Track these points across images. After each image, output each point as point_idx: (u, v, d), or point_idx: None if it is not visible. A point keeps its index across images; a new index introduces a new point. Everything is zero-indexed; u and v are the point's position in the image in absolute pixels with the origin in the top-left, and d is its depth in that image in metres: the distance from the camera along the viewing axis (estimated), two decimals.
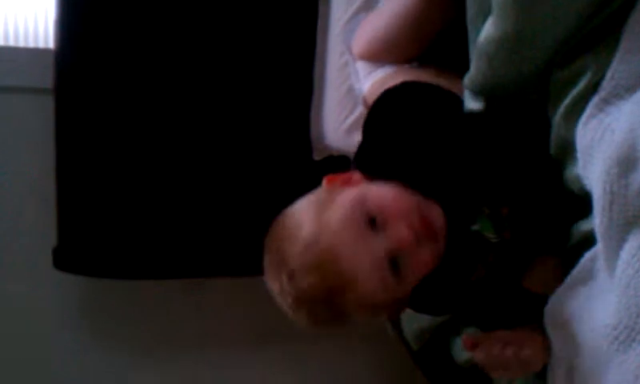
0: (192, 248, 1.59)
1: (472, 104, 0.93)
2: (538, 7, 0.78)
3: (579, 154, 0.78)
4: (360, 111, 1.33)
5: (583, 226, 0.82)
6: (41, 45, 1.63)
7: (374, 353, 1.79)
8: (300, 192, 0.98)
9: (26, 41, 1.62)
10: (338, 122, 1.39)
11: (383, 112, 1.02)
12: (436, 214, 0.88)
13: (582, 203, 0.81)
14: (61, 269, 1.58)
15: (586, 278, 0.82)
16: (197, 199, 1.56)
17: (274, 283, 0.92)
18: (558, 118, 0.82)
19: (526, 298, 0.93)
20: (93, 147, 1.53)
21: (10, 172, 1.62)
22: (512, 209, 0.89)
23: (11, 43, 1.62)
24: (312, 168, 1.50)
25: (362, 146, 1.05)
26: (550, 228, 0.90)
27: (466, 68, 0.98)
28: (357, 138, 1.18)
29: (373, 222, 0.86)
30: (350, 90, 1.35)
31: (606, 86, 0.75)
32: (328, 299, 0.87)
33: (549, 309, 0.87)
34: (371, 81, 1.26)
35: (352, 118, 1.36)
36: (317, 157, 1.51)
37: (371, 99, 1.15)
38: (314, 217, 0.90)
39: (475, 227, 0.90)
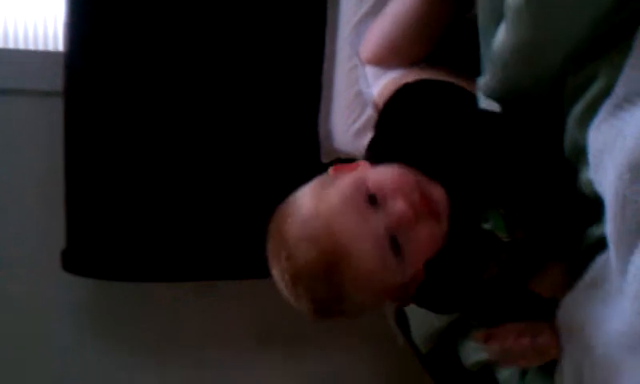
0: (200, 251, 1.60)
1: (486, 106, 0.93)
2: (552, 14, 0.78)
3: (591, 159, 0.78)
4: (368, 114, 1.33)
5: (596, 229, 0.82)
6: (50, 48, 1.64)
7: (377, 355, 1.79)
8: None
9: (36, 44, 1.63)
10: (347, 125, 1.40)
11: (401, 104, 1.02)
12: (438, 193, 0.87)
13: (594, 207, 0.80)
14: (69, 271, 1.58)
15: (598, 281, 0.82)
16: (205, 202, 1.57)
17: (275, 266, 0.91)
18: (571, 122, 0.82)
19: (535, 301, 0.92)
20: (102, 150, 1.54)
21: (20, 174, 1.63)
22: (525, 210, 0.89)
23: (21, 46, 1.63)
24: (320, 170, 1.51)
25: (374, 137, 1.04)
26: (562, 231, 0.89)
27: (475, 69, 0.98)
28: (365, 141, 1.18)
29: (373, 200, 0.85)
30: (359, 93, 1.35)
31: (618, 91, 0.75)
32: (326, 276, 0.84)
33: (561, 312, 0.87)
34: (381, 84, 1.26)
35: (360, 121, 1.36)
36: (325, 159, 1.51)
37: (382, 102, 1.15)
38: (315, 195, 0.89)
39: (487, 226, 0.89)
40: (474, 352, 1.06)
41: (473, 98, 0.96)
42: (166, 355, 1.75)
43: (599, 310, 0.82)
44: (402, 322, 1.30)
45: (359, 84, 1.34)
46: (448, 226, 0.87)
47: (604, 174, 0.75)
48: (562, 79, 0.82)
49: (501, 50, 0.85)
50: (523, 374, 0.99)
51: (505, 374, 1.04)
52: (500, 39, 0.85)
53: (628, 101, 0.74)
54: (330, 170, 0.97)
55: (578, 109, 0.80)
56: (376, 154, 0.98)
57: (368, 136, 1.12)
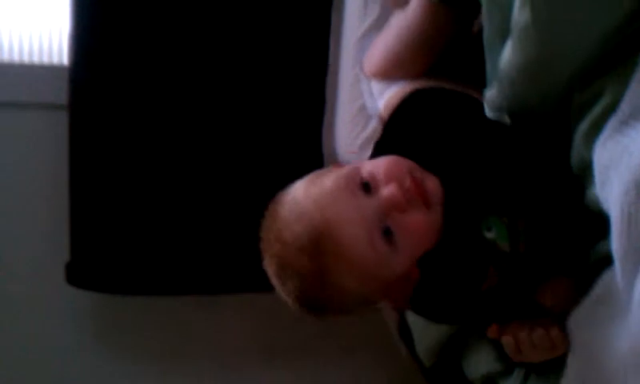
0: (203, 264, 1.60)
1: (493, 117, 0.93)
2: (558, 32, 0.78)
3: (597, 175, 0.78)
4: (372, 128, 1.33)
5: (603, 245, 0.82)
6: (55, 61, 1.64)
7: (381, 369, 1.78)
8: None
9: (41, 57, 1.64)
10: (351, 139, 1.40)
11: (408, 108, 1.02)
12: (431, 182, 0.87)
13: (602, 223, 0.80)
14: (73, 284, 1.58)
15: (605, 298, 0.82)
16: (208, 215, 1.57)
17: (266, 251, 0.90)
18: (577, 138, 0.82)
19: (538, 314, 0.92)
20: (106, 163, 1.54)
21: (25, 187, 1.64)
22: (529, 222, 0.88)
23: (26, 60, 1.63)
24: None
25: (380, 138, 1.04)
26: (566, 246, 0.89)
27: (480, 81, 0.98)
28: (368, 154, 1.19)
29: (367, 187, 0.85)
30: (362, 107, 1.36)
31: (624, 107, 0.75)
32: (311, 251, 0.83)
33: (568, 327, 0.87)
34: (386, 97, 1.27)
35: (364, 134, 1.36)
36: None
37: (387, 113, 1.15)
38: (309, 181, 0.90)
39: (490, 235, 0.88)
40: (485, 364, 1.05)
41: (480, 105, 0.96)
42: (168, 367, 1.75)
43: (606, 326, 0.81)
44: (406, 335, 1.30)
45: (363, 97, 1.35)
46: (442, 217, 0.87)
47: (610, 190, 0.75)
48: (569, 96, 0.82)
49: (507, 67, 0.86)
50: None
51: None
52: (506, 57, 0.85)
53: (634, 117, 0.74)
54: (332, 166, 0.97)
55: (584, 125, 0.80)
56: (380, 153, 0.98)
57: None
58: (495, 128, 0.93)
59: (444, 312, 0.98)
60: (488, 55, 0.96)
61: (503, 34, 0.88)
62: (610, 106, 0.76)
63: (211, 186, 1.56)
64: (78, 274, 1.59)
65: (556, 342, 0.88)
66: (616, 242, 0.75)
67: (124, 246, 1.57)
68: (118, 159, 1.55)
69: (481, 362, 1.05)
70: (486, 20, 0.93)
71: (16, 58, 1.63)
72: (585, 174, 0.82)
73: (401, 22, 1.20)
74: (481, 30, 1.00)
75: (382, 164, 0.88)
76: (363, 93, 1.35)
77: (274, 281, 0.91)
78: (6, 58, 1.62)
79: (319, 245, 0.83)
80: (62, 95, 1.53)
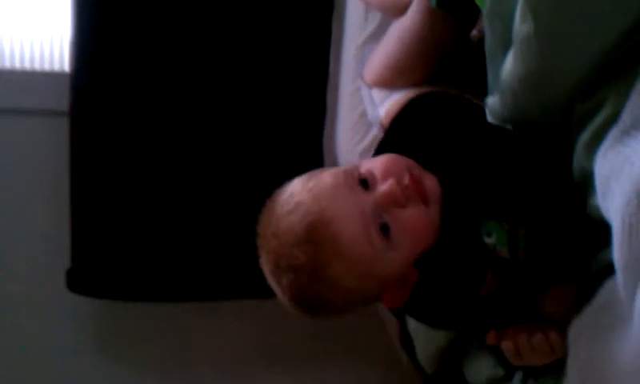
0: (203, 271, 1.60)
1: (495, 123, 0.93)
2: (560, 44, 0.78)
3: (598, 185, 0.78)
4: (373, 135, 1.34)
5: (605, 254, 0.82)
6: (56, 68, 1.65)
7: (382, 376, 1.78)
8: None
9: (42, 64, 1.64)
10: (351, 146, 1.40)
11: (410, 113, 1.02)
12: (429, 180, 0.87)
13: (604, 231, 0.80)
14: (74, 291, 1.59)
15: (607, 306, 0.82)
16: (209, 222, 1.57)
17: (262, 252, 0.89)
18: (578, 149, 0.82)
19: (536, 318, 0.92)
20: (107, 170, 1.55)
21: (26, 193, 1.64)
22: (529, 229, 0.88)
23: (27, 67, 1.64)
24: None
25: (381, 140, 1.04)
26: (567, 254, 0.89)
27: (481, 88, 0.99)
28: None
29: (365, 183, 0.85)
30: (363, 114, 1.36)
31: (625, 118, 0.75)
32: (306, 240, 0.83)
33: (569, 336, 0.87)
34: (388, 104, 1.27)
35: (365, 142, 1.36)
36: None
37: (388, 120, 1.15)
38: (308, 176, 0.89)
39: (489, 240, 0.88)
40: (485, 370, 1.05)
41: (482, 111, 0.96)
42: (168, 373, 1.75)
43: (607, 335, 0.81)
44: (407, 342, 1.30)
45: (363, 105, 1.35)
46: (440, 216, 0.86)
47: (611, 201, 0.75)
48: (570, 106, 0.82)
49: (509, 78, 0.86)
50: None
51: None
52: (508, 68, 0.86)
53: (635, 127, 0.74)
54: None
55: (585, 136, 0.80)
56: (381, 154, 0.98)
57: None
58: (497, 133, 0.93)
59: (441, 316, 0.97)
60: (490, 64, 0.96)
61: (505, 44, 0.88)
62: (611, 117, 0.76)
63: (212, 193, 1.56)
64: (79, 280, 1.59)
65: (555, 345, 0.87)
66: (617, 253, 0.75)
67: (125, 253, 1.58)
68: (118, 166, 1.55)
69: (481, 368, 1.05)
70: (488, 30, 0.93)
71: (18, 65, 1.63)
72: (586, 183, 0.82)
73: (400, 30, 1.20)
74: (481, 39, 1.00)
75: (381, 161, 0.88)
76: (364, 100, 1.35)
77: (270, 278, 0.90)
78: (7, 64, 1.63)
79: (314, 236, 0.83)
80: (62, 102, 1.54)
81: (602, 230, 0.80)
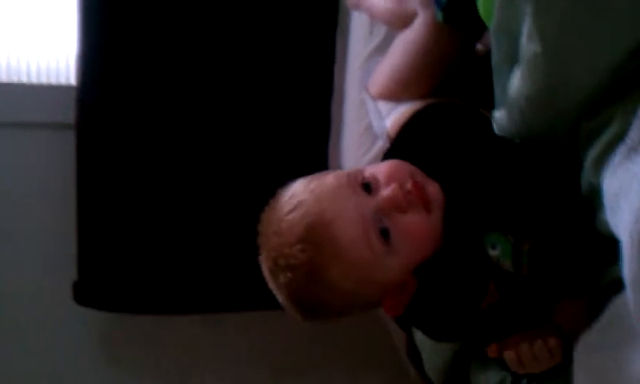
0: (210, 283, 1.60)
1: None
2: (568, 63, 0.78)
3: (606, 202, 0.78)
4: (379, 147, 1.34)
5: (614, 270, 0.82)
6: (62, 81, 1.66)
7: None
8: None
9: (49, 78, 1.65)
10: (356, 158, 1.40)
11: (420, 121, 1.03)
12: (432, 186, 0.87)
13: (613, 246, 0.80)
14: (81, 303, 1.59)
15: (616, 322, 0.82)
16: (215, 235, 1.58)
17: (263, 250, 0.89)
18: (586, 165, 0.82)
19: (534, 326, 0.91)
20: (113, 182, 1.55)
21: (32, 206, 1.64)
22: (534, 244, 0.88)
23: (33, 80, 1.65)
24: None
25: (388, 149, 1.04)
26: (574, 269, 0.89)
27: (487, 101, 0.99)
28: None
29: (367, 188, 0.85)
30: (369, 126, 1.36)
31: (633, 135, 0.75)
32: (305, 238, 0.82)
33: (577, 351, 0.87)
34: (394, 116, 1.27)
35: (371, 154, 1.37)
36: None
37: (395, 132, 1.15)
38: (311, 178, 0.89)
39: (493, 253, 0.88)
40: (493, 378, 1.05)
41: (489, 122, 0.96)
42: None
43: (616, 351, 0.81)
44: (414, 354, 1.30)
45: (369, 117, 1.35)
46: (442, 224, 0.86)
47: (620, 217, 0.75)
48: (578, 124, 0.83)
49: (516, 96, 0.86)
50: None
51: None
52: (515, 86, 0.86)
53: None
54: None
55: (592, 153, 0.80)
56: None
57: None
58: (504, 145, 0.93)
59: (441, 327, 0.97)
60: (496, 79, 0.96)
61: (511, 60, 0.89)
62: (618, 134, 0.77)
63: (217, 206, 1.57)
64: (86, 292, 1.59)
65: (554, 351, 0.88)
66: (626, 268, 0.75)
67: (131, 265, 1.58)
68: (124, 178, 1.55)
69: (489, 379, 1.05)
70: (494, 45, 0.93)
71: (24, 79, 1.64)
72: (594, 199, 0.82)
73: (405, 43, 1.20)
74: (486, 53, 1.00)
75: (385, 166, 0.88)
76: (369, 113, 1.35)
77: (268, 276, 0.90)
78: (14, 78, 1.63)
79: (314, 237, 0.83)
80: (69, 115, 1.54)
81: (611, 245, 0.80)
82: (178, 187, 1.56)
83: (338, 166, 1.51)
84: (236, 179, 1.57)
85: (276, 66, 1.54)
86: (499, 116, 0.94)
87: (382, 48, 1.32)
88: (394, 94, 1.25)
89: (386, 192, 0.84)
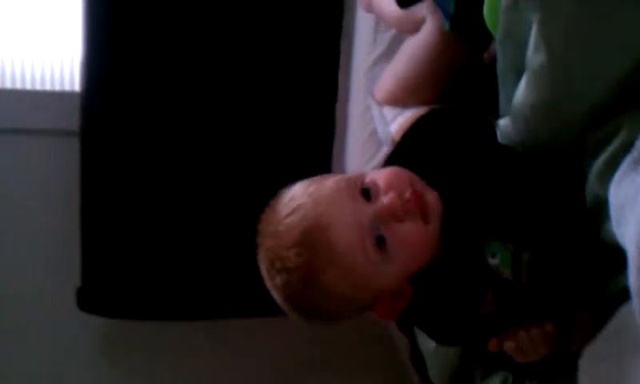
0: (213, 289, 1.61)
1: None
2: (573, 74, 0.78)
3: (612, 213, 0.78)
4: (383, 153, 1.34)
5: (621, 279, 0.82)
6: (67, 88, 1.66)
7: None
8: None
9: (53, 84, 1.65)
10: (361, 164, 1.41)
11: (424, 127, 1.02)
12: (431, 195, 0.86)
13: (619, 257, 0.80)
14: (84, 310, 1.59)
15: (622, 332, 0.82)
16: (219, 241, 1.58)
17: (261, 249, 0.90)
18: (591, 176, 0.82)
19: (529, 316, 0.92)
20: (117, 189, 1.55)
21: (36, 212, 1.65)
22: (534, 253, 0.88)
23: (38, 87, 1.65)
24: None
25: (390, 153, 1.04)
26: (575, 279, 0.89)
27: (492, 107, 0.99)
28: None
29: (367, 194, 0.85)
30: (373, 133, 1.36)
31: (639, 146, 0.75)
32: (302, 242, 0.83)
33: (583, 361, 0.87)
34: (400, 122, 1.27)
35: (375, 161, 1.37)
36: None
37: (400, 137, 1.16)
38: (311, 181, 0.89)
39: (493, 261, 0.88)
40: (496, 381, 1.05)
41: (493, 129, 0.96)
42: None
43: (622, 361, 0.81)
44: (418, 361, 1.30)
45: (374, 123, 1.36)
46: (439, 233, 0.86)
47: (626, 229, 0.75)
48: (583, 134, 0.83)
49: (521, 105, 0.86)
50: None
51: None
52: (520, 95, 0.86)
53: None
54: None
55: (598, 163, 0.80)
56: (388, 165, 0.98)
57: None
58: (507, 153, 0.93)
59: (439, 331, 0.97)
60: (501, 87, 0.96)
61: (516, 68, 0.89)
62: (624, 145, 0.76)
63: (221, 213, 1.57)
64: (89, 299, 1.59)
65: (552, 335, 0.88)
66: (632, 279, 0.75)
67: (135, 272, 1.58)
68: (128, 185, 1.56)
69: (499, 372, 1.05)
70: (500, 54, 0.93)
71: (28, 86, 1.65)
72: (600, 210, 0.83)
73: (412, 49, 1.20)
74: (492, 60, 1.01)
75: (384, 173, 0.88)
76: (374, 119, 1.35)
77: (265, 275, 0.90)
78: (18, 85, 1.64)
79: (310, 241, 0.83)
80: (73, 122, 1.55)
81: (617, 255, 0.80)
82: (182, 193, 1.56)
83: (342, 172, 1.51)
84: (240, 185, 1.57)
85: (280, 71, 1.55)
86: (504, 124, 0.94)
87: (387, 55, 1.33)
88: (400, 100, 1.26)
89: (384, 200, 0.84)
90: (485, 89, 1.06)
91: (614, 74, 0.77)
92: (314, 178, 0.91)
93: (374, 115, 1.36)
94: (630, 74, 0.76)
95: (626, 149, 0.77)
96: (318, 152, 1.56)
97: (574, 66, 0.78)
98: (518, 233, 0.88)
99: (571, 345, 0.89)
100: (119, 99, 1.54)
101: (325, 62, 1.52)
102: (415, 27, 1.18)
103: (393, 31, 1.33)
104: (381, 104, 1.33)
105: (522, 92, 0.86)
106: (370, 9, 1.35)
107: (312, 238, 0.83)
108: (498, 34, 0.91)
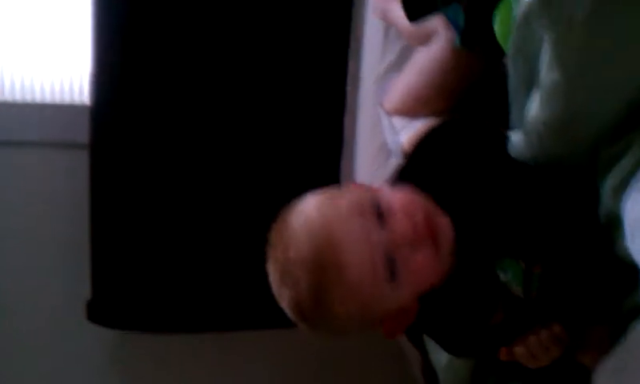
0: (222, 302, 1.60)
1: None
2: (588, 93, 0.78)
3: (627, 229, 0.77)
4: (393, 165, 1.34)
5: (636, 296, 0.82)
6: (76, 101, 1.66)
7: None
8: None
9: (62, 97, 1.66)
10: (370, 177, 1.40)
11: (436, 140, 1.02)
12: (443, 222, 0.86)
13: (634, 273, 0.80)
14: (94, 322, 1.59)
15: (635, 348, 0.81)
16: (228, 254, 1.58)
17: (271, 254, 0.90)
18: (605, 191, 0.81)
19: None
20: (127, 201, 1.56)
21: (46, 224, 1.65)
22: (545, 268, 0.87)
23: (47, 99, 1.66)
24: None
25: (402, 166, 1.04)
26: (587, 295, 0.89)
27: (505, 118, 0.99)
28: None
29: (380, 217, 0.84)
30: (383, 144, 1.36)
31: None
32: (313, 268, 0.83)
33: (597, 376, 0.86)
34: (410, 132, 1.26)
35: (385, 172, 1.36)
36: None
37: (410, 148, 1.15)
38: (326, 197, 0.89)
39: (504, 277, 0.88)
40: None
41: (504, 142, 0.95)
42: None
43: (635, 378, 0.81)
44: (430, 374, 1.30)
45: (384, 134, 1.35)
46: (450, 260, 0.86)
47: None
48: (597, 150, 0.82)
49: (534, 121, 0.86)
50: None
51: None
52: (534, 111, 0.86)
53: None
54: (351, 185, 0.97)
55: (612, 179, 0.80)
56: (399, 181, 0.97)
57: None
58: (519, 168, 0.93)
59: (448, 341, 0.98)
60: (513, 101, 0.96)
61: (528, 83, 0.88)
62: (638, 161, 0.76)
63: (231, 225, 1.57)
64: (99, 311, 1.59)
65: (560, 337, 0.87)
66: None
67: (145, 284, 1.58)
68: (138, 197, 1.56)
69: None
70: (511, 68, 0.93)
71: (38, 98, 1.65)
72: (613, 225, 0.82)
73: (424, 61, 1.20)
74: (505, 72, 1.00)
75: (399, 198, 0.87)
76: (384, 130, 1.35)
77: (274, 286, 0.90)
78: (28, 98, 1.64)
79: (321, 261, 0.83)
80: (83, 134, 1.55)
81: (632, 271, 0.80)
82: (191, 204, 1.56)
83: (352, 182, 1.51)
84: (250, 196, 1.57)
85: (288, 81, 1.55)
86: (516, 139, 0.94)
87: (397, 65, 1.32)
88: (412, 110, 1.25)
89: (397, 227, 0.84)
90: (497, 100, 1.06)
91: (627, 92, 0.77)
92: (328, 192, 0.91)
93: (384, 125, 1.35)
94: None
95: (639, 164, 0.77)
96: (326, 162, 1.56)
97: (586, 85, 0.78)
98: (530, 249, 0.88)
99: (585, 360, 0.89)
100: (128, 111, 1.54)
101: (333, 72, 1.52)
102: (428, 39, 1.18)
103: (402, 42, 1.33)
104: (390, 114, 1.32)
105: (535, 108, 0.86)
106: (384, 18, 1.35)
107: (323, 259, 0.83)
108: (509, 48, 0.91)
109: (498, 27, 0.95)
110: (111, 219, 1.56)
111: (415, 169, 1.00)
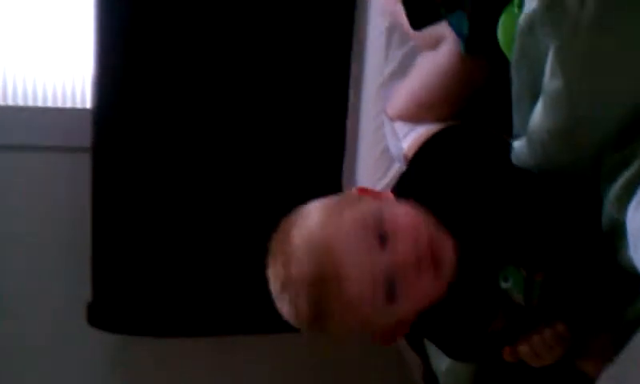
0: (224, 306, 1.60)
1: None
2: (591, 101, 0.78)
3: (630, 238, 0.77)
4: (395, 171, 1.33)
5: (638, 304, 0.82)
6: (78, 105, 1.66)
7: None
8: None
9: (64, 101, 1.66)
10: (372, 183, 1.40)
11: (438, 147, 1.02)
12: (446, 245, 0.86)
13: (637, 282, 0.80)
14: (95, 325, 1.59)
15: (637, 357, 0.81)
16: (229, 258, 1.58)
17: (271, 265, 0.90)
18: (608, 200, 0.81)
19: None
20: (128, 205, 1.56)
21: (48, 228, 1.65)
22: (547, 276, 0.87)
23: (49, 104, 1.66)
24: None
25: (405, 173, 1.04)
26: (588, 304, 0.89)
27: (508, 124, 0.99)
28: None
29: (383, 237, 0.84)
30: (385, 150, 1.36)
31: None
32: (313, 291, 0.83)
33: None
34: (412, 138, 1.26)
35: (387, 178, 1.36)
36: None
37: (412, 154, 1.15)
38: (330, 211, 0.88)
39: (505, 285, 0.88)
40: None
41: (507, 148, 0.95)
42: None
43: None
44: (431, 381, 1.30)
45: (386, 140, 1.35)
46: (450, 279, 0.86)
47: None
48: (600, 158, 0.82)
49: (538, 128, 0.86)
50: None
51: None
52: (537, 119, 0.86)
53: None
54: (355, 189, 0.97)
55: (615, 188, 0.79)
56: (402, 189, 0.97)
57: None
58: (521, 175, 0.93)
59: (448, 345, 0.98)
60: (516, 108, 0.96)
61: (531, 90, 0.88)
62: None
63: (232, 230, 1.57)
64: (100, 315, 1.59)
65: (564, 335, 0.88)
66: None
67: (146, 288, 1.58)
68: (139, 201, 1.56)
69: None
70: (515, 76, 0.93)
71: (40, 103, 1.65)
72: (616, 234, 0.82)
73: (429, 67, 1.19)
74: (509, 79, 1.00)
75: (404, 221, 0.87)
76: (386, 135, 1.35)
77: (273, 291, 0.91)
78: (30, 102, 1.65)
79: (322, 279, 0.83)
80: (85, 138, 1.55)
81: (635, 280, 0.80)
82: (193, 209, 1.56)
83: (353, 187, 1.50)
84: (251, 201, 1.57)
85: (290, 86, 1.55)
86: (519, 146, 0.94)
87: (399, 72, 1.32)
88: (415, 116, 1.24)
89: (400, 250, 0.84)
90: (501, 107, 1.06)
91: (631, 99, 0.77)
92: (330, 203, 0.91)
93: (386, 131, 1.35)
94: None
95: None
96: (328, 168, 1.56)
97: (590, 92, 0.78)
98: (532, 257, 0.88)
99: (587, 368, 0.89)
100: (130, 116, 1.54)
101: (335, 75, 1.52)
102: (436, 44, 1.18)
103: (405, 48, 1.33)
104: (393, 120, 1.32)
105: (538, 116, 0.86)
106: (394, 20, 1.34)
107: (324, 276, 0.83)
108: (512, 56, 0.91)
109: (501, 35, 0.95)
110: (113, 223, 1.56)
111: (417, 175, 1.01)
